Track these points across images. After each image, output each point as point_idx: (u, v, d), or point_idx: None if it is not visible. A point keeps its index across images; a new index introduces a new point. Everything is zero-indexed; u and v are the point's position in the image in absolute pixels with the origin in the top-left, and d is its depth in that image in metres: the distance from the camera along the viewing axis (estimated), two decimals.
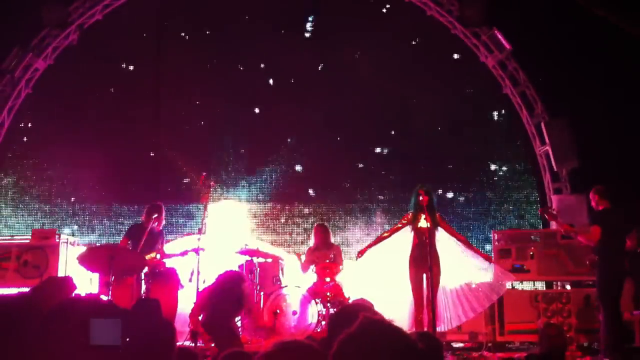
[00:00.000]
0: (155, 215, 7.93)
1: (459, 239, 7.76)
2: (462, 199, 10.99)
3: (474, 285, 8.13)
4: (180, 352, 3.41)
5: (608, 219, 7.21)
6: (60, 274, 9.07)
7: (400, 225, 7.80)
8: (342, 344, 1.87)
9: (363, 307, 7.05)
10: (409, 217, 7.73)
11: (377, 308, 7.59)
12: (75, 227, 11.03)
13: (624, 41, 9.26)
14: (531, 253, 8.92)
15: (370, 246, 7.86)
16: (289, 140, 11.42)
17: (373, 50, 11.41)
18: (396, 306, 7.97)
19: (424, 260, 7.32)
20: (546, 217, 8.57)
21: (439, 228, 7.67)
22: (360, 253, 7.81)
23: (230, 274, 7.26)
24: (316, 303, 7.92)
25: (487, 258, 7.85)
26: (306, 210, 11.17)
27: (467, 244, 7.83)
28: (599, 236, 7.12)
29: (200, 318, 6.97)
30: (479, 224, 10.95)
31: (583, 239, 7.57)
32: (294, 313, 7.96)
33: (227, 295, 6.94)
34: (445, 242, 7.76)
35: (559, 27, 10.28)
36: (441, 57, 11.47)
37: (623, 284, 7.22)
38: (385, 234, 7.90)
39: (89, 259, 7.39)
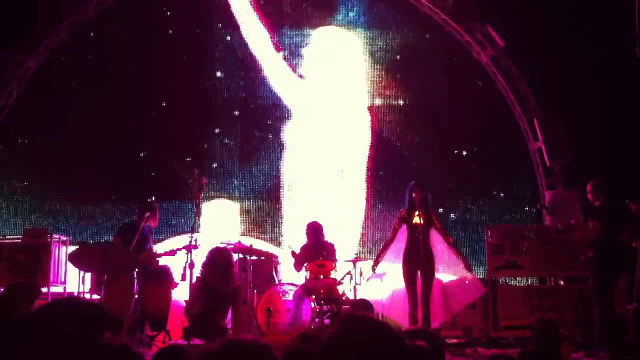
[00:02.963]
0: (148, 214, 7.91)
1: (446, 241, 7.78)
2: (454, 194, 10.98)
3: (467, 282, 8.16)
4: (170, 349, 3.39)
5: (606, 213, 7.21)
6: (52, 273, 9.05)
7: (396, 226, 7.83)
8: (326, 343, 1.85)
9: (363, 307, 7.11)
10: (403, 213, 7.75)
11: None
12: (68, 226, 10.96)
13: (617, 34, 9.26)
14: (524, 249, 8.93)
15: (380, 256, 7.88)
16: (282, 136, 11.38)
17: (367, 47, 11.44)
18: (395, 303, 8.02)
19: (417, 257, 7.34)
20: (545, 212, 8.58)
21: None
22: (375, 265, 7.85)
23: (214, 249, 7.30)
24: (310, 300, 7.91)
25: (467, 267, 7.84)
26: (302, 207, 11.13)
27: (452, 247, 7.84)
28: (599, 231, 7.13)
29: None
30: (471, 220, 10.94)
31: (581, 234, 7.57)
32: (288, 310, 7.95)
33: (215, 266, 6.97)
34: (440, 238, 7.78)
35: (550, 22, 10.29)
36: (434, 54, 11.46)
37: (618, 279, 7.23)
38: (390, 239, 7.90)
39: (81, 258, 7.38)
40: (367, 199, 11.17)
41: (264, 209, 11.18)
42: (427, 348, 3.06)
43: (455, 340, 8.31)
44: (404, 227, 7.73)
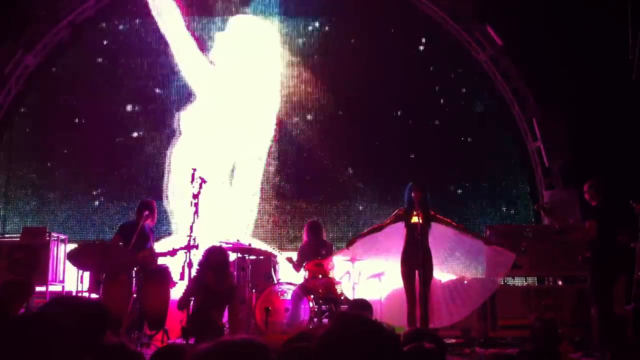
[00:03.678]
0: (147, 213, 7.90)
1: (457, 228, 7.83)
2: (454, 194, 10.98)
3: (465, 282, 8.16)
4: (169, 348, 3.39)
5: (603, 213, 7.22)
6: (51, 271, 9.04)
7: (389, 221, 7.85)
8: (320, 341, 1.85)
9: (361, 306, 7.10)
10: (401, 212, 7.74)
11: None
12: (67, 225, 10.95)
13: (616, 35, 9.27)
14: (523, 248, 8.93)
15: (362, 236, 7.97)
16: (281, 135, 11.37)
17: (365, 46, 11.42)
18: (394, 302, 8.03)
19: (416, 257, 7.34)
20: (542, 212, 8.58)
21: (432, 224, 7.70)
22: (351, 243, 7.92)
23: (209, 248, 7.29)
24: (308, 299, 7.91)
25: (487, 241, 7.95)
26: (300, 207, 11.12)
27: (465, 230, 7.93)
28: (595, 231, 7.14)
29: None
30: (471, 219, 10.93)
31: (579, 234, 7.58)
32: (286, 310, 7.94)
33: (210, 265, 6.97)
34: (438, 238, 7.79)
35: (550, 22, 10.30)
36: (434, 52, 11.47)
37: (615, 279, 7.24)
38: (377, 226, 7.97)
39: (80, 257, 7.38)
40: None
41: (264, 208, 11.16)
42: (434, 350, 3.06)
43: (453, 340, 8.32)
44: (402, 225, 7.71)
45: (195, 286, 7.03)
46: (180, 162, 11.08)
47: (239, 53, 11.48)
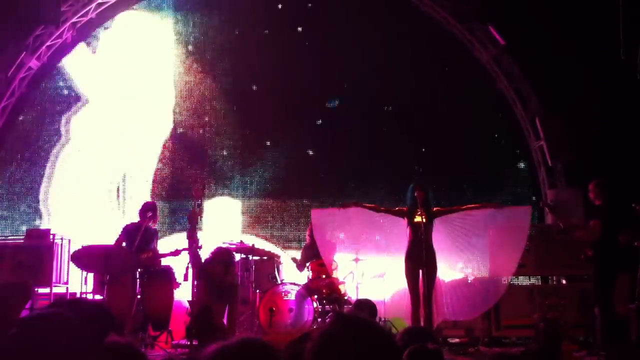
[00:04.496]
0: (150, 214, 7.92)
1: (464, 209, 7.82)
2: (456, 194, 10.96)
3: (469, 281, 8.16)
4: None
5: (607, 213, 7.22)
6: (55, 273, 9.05)
7: (391, 209, 7.86)
8: (315, 341, 1.85)
9: (365, 307, 7.11)
10: (405, 210, 7.74)
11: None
12: (70, 227, 10.96)
13: (618, 35, 9.26)
14: (527, 248, 8.91)
15: (359, 205, 7.93)
16: (283, 135, 11.38)
17: (366, 46, 11.41)
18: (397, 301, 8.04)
19: (420, 256, 7.34)
20: (548, 210, 8.59)
21: (436, 221, 7.68)
22: (345, 205, 7.90)
23: (217, 247, 7.31)
24: (312, 300, 7.92)
25: (497, 205, 7.96)
26: (302, 207, 11.12)
27: (474, 207, 7.89)
28: (600, 231, 7.14)
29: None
30: None
31: (582, 234, 7.57)
32: (290, 310, 7.96)
33: (218, 261, 7.00)
34: (441, 236, 7.79)
35: (552, 21, 10.29)
36: (434, 52, 11.46)
37: (617, 279, 7.24)
38: (377, 206, 7.98)
39: (84, 258, 7.39)
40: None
41: (266, 208, 11.16)
42: (437, 350, 3.05)
43: (457, 340, 8.33)
44: (404, 225, 7.69)
45: (200, 282, 7.04)
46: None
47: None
